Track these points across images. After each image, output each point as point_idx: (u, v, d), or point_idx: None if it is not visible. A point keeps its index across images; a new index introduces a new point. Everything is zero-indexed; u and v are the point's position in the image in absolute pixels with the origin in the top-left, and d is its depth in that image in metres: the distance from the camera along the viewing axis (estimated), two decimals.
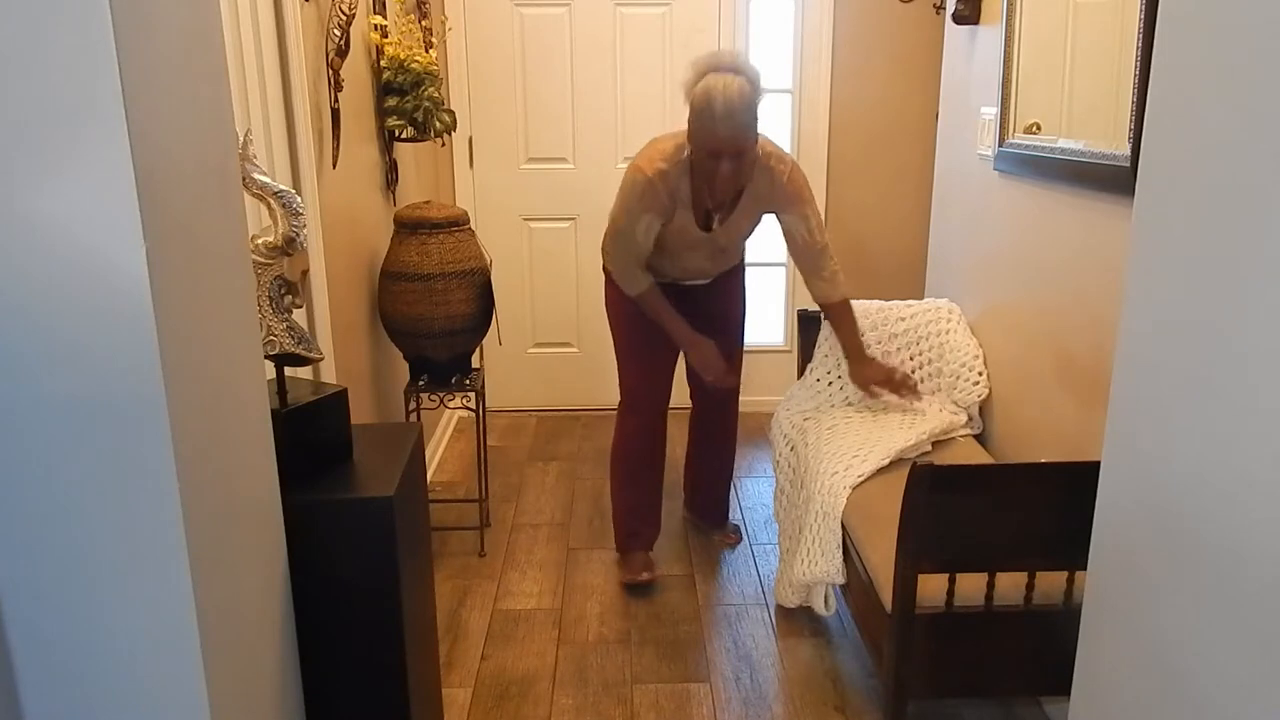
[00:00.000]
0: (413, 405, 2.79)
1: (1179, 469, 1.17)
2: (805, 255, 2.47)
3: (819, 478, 2.29)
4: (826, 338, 2.69)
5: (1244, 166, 1.05)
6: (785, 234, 2.47)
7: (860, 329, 2.60)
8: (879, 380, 2.54)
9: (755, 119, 2.20)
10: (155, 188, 0.96)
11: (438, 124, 2.90)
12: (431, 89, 2.85)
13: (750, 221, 2.47)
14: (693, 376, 2.76)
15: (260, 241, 1.41)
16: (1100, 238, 2.01)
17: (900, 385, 2.53)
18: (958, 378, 2.61)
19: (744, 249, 2.66)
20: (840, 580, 2.18)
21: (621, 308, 2.55)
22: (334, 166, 2.40)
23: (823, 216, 4.11)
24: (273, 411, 1.38)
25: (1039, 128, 2.31)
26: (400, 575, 1.47)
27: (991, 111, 2.55)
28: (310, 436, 1.49)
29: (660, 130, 2.56)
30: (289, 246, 1.42)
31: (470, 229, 2.79)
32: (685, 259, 2.52)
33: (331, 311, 2.33)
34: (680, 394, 2.82)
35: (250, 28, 1.92)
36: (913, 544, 1.76)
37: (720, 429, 2.89)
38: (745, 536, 3.02)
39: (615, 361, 2.70)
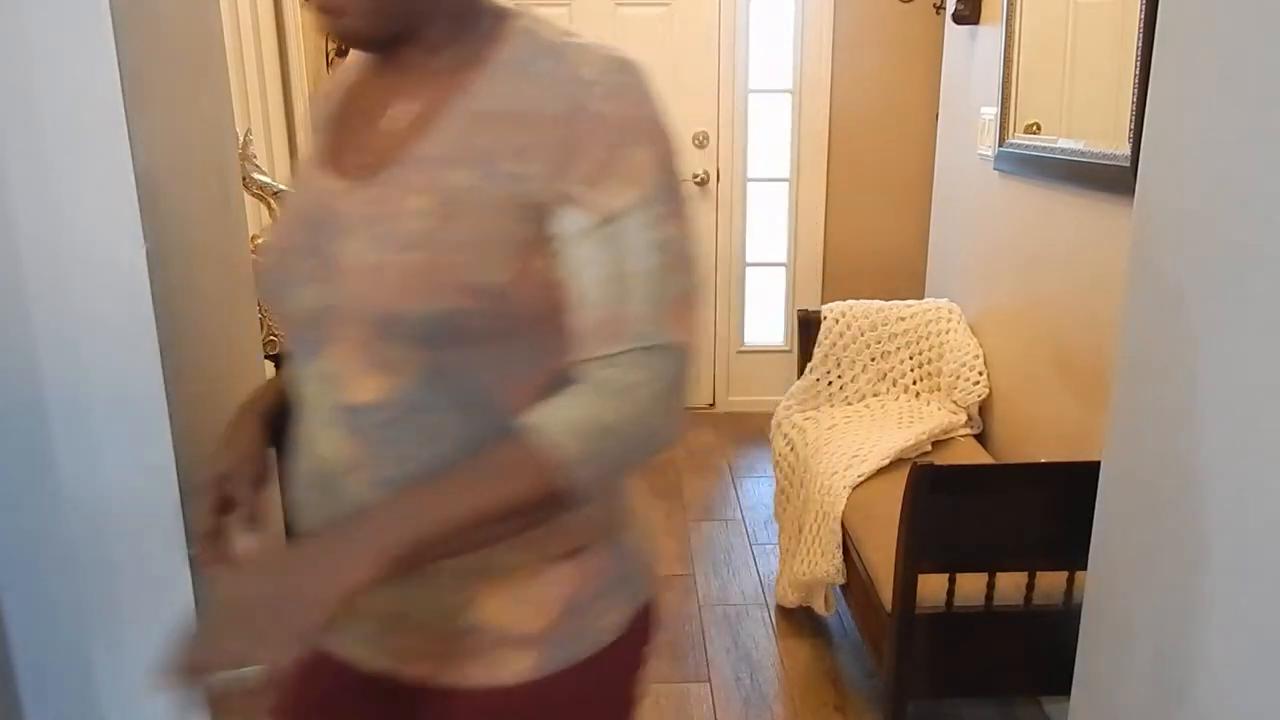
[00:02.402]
0: None
1: (1179, 469, 1.17)
2: (596, 325, 0.79)
3: (819, 478, 2.29)
4: (826, 336, 2.69)
5: (1244, 166, 1.05)
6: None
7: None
8: None
9: None
10: (155, 188, 0.96)
11: None
12: None
13: (448, 190, 0.77)
14: None
15: (260, 241, 1.41)
16: (1100, 238, 2.01)
17: None
18: (958, 377, 2.61)
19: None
20: (840, 580, 2.17)
21: None
22: None
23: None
24: None
25: (1039, 128, 2.31)
26: None
27: (991, 111, 2.55)
28: None
29: None
30: None
31: None
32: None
33: None
34: None
35: (250, 28, 1.92)
36: (913, 544, 1.76)
37: None
38: (745, 537, 3.03)
39: None
